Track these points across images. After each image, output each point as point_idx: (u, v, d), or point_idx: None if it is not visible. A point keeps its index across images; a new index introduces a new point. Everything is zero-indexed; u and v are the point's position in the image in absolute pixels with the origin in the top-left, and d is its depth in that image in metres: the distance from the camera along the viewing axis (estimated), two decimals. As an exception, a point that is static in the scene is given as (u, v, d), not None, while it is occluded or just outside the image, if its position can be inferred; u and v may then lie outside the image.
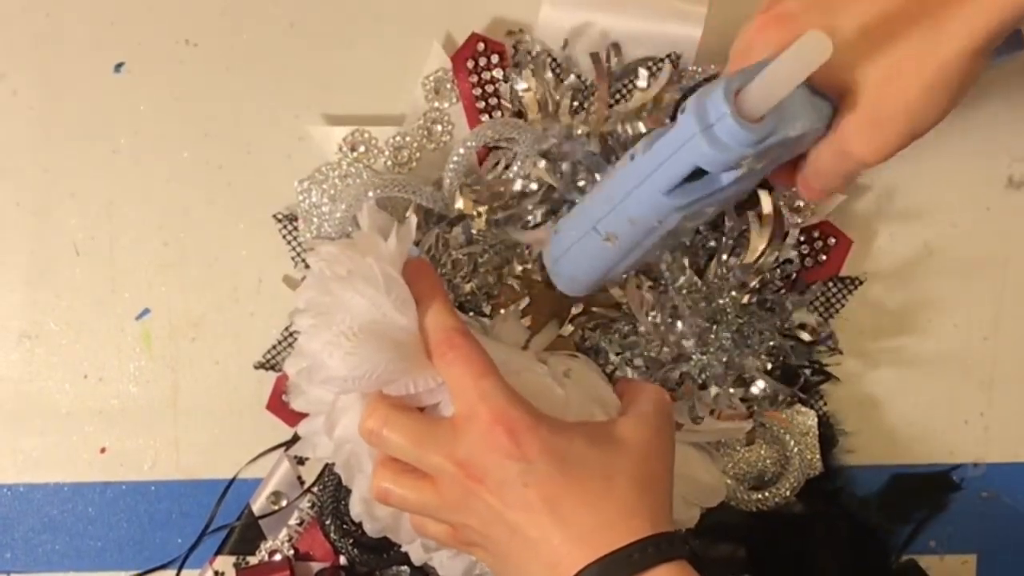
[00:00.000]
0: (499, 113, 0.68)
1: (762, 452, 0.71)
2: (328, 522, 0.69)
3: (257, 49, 0.70)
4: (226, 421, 0.71)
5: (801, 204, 0.69)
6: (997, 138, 0.72)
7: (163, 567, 0.71)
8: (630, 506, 0.53)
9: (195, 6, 0.70)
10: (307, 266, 0.69)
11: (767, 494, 0.70)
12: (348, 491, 0.64)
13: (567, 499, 0.52)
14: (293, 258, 0.69)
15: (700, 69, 0.68)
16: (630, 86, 0.68)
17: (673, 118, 0.67)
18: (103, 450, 0.71)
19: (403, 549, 0.64)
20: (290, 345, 0.70)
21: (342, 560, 0.70)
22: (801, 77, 0.49)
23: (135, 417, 0.71)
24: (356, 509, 0.62)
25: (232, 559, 0.70)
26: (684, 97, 0.67)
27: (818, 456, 0.70)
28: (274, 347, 0.70)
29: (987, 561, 0.73)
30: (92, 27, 0.70)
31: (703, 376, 0.68)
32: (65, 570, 0.72)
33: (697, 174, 0.53)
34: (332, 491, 0.69)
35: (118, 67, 0.70)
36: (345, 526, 0.69)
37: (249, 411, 0.71)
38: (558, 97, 0.67)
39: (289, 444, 0.70)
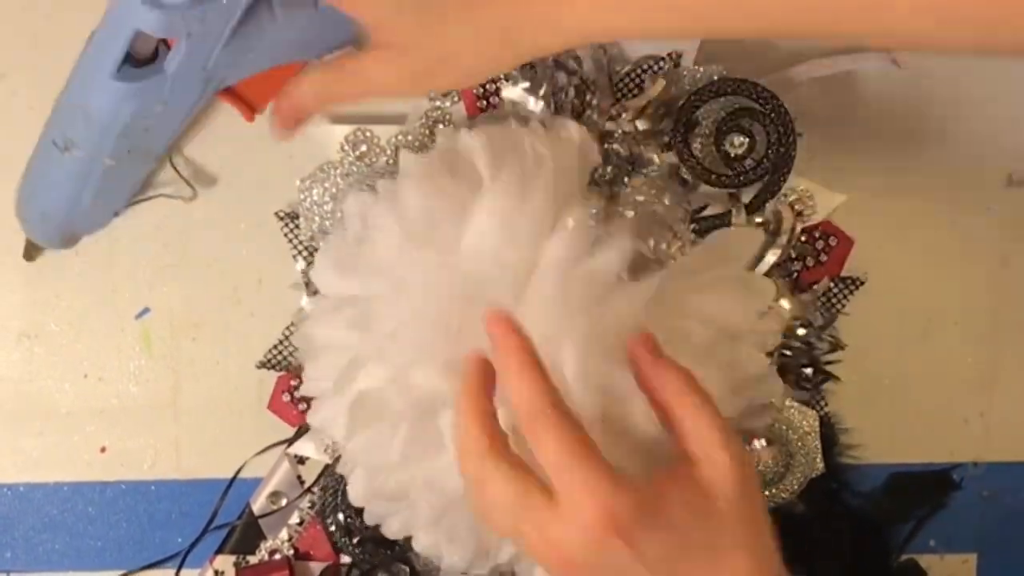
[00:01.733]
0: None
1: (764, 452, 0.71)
2: (329, 520, 0.69)
3: (258, 48, 0.70)
4: (226, 421, 0.71)
5: (800, 206, 0.69)
6: (997, 138, 0.72)
7: (163, 561, 0.71)
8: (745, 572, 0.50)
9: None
10: (308, 263, 0.69)
11: (769, 495, 0.70)
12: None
13: None
14: (294, 256, 0.69)
15: (701, 68, 0.68)
16: (631, 85, 0.68)
17: (671, 115, 0.67)
18: (103, 450, 0.71)
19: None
20: (291, 345, 0.70)
21: (344, 559, 0.70)
22: None
23: (135, 417, 0.71)
24: (358, 487, 0.62)
25: (232, 558, 0.70)
26: (688, 98, 0.67)
27: (820, 456, 0.70)
28: (275, 347, 0.70)
29: (987, 560, 0.73)
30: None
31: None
32: (65, 569, 0.72)
33: (146, 61, 0.55)
34: (334, 488, 0.69)
35: (118, 66, 0.70)
36: (349, 519, 0.69)
37: (249, 411, 0.71)
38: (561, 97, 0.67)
39: (291, 442, 0.70)
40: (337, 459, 0.68)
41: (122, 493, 0.71)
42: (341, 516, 0.69)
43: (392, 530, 0.62)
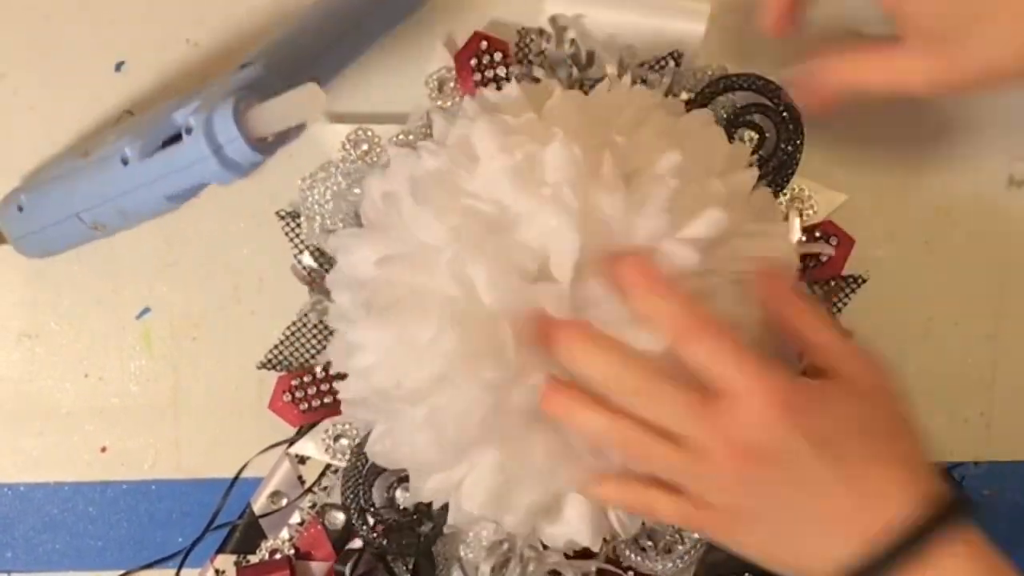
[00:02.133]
0: (501, 112, 0.68)
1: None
2: (350, 502, 0.68)
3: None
4: (227, 421, 0.71)
5: (801, 206, 0.69)
6: (997, 137, 0.72)
7: (164, 561, 0.71)
8: (903, 463, 0.53)
9: (196, 4, 0.69)
10: (315, 258, 0.69)
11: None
12: (375, 475, 0.66)
13: (853, 464, 0.52)
14: (296, 255, 0.69)
15: (702, 68, 0.68)
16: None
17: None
18: (104, 449, 0.71)
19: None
20: (292, 344, 0.70)
21: (357, 543, 0.70)
22: (298, 121, 0.55)
23: (136, 416, 0.71)
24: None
25: (233, 558, 0.70)
26: (691, 98, 0.67)
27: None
28: (276, 346, 0.70)
29: (988, 560, 0.73)
30: (92, 26, 0.70)
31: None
32: (65, 569, 0.72)
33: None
34: (356, 475, 0.68)
35: (119, 66, 0.70)
36: (371, 505, 0.68)
37: (250, 411, 0.71)
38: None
39: (292, 442, 0.70)
40: (358, 450, 0.68)
41: (123, 493, 0.71)
42: (361, 499, 0.68)
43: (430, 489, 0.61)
